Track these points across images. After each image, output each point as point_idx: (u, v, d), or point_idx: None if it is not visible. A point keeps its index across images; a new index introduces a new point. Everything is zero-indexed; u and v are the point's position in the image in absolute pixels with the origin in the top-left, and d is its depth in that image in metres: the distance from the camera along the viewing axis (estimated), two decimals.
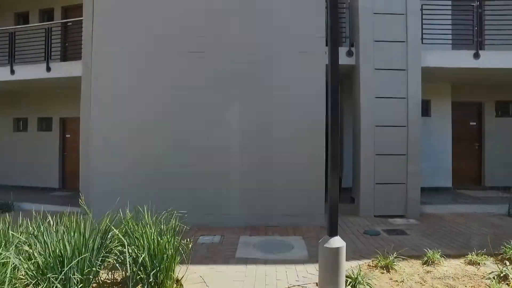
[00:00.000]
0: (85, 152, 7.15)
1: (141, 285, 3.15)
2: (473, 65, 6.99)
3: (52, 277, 2.68)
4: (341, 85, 9.16)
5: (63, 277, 2.70)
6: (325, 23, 6.02)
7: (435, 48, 7.11)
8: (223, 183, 6.18)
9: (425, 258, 4.14)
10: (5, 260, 2.71)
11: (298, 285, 3.60)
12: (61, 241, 2.89)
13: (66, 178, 10.76)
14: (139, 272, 3.08)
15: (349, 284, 3.42)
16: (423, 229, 5.78)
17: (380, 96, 6.62)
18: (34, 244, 2.95)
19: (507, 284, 3.50)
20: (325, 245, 3.06)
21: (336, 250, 3.03)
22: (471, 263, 4.07)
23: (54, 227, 3.18)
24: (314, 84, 6.17)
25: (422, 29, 6.90)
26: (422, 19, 6.89)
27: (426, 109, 8.82)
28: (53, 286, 2.62)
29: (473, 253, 4.19)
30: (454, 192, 8.61)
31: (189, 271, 3.70)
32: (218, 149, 6.24)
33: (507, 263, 3.97)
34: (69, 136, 10.79)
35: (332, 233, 3.10)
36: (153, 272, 3.09)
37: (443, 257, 4.18)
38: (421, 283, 3.59)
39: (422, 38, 6.91)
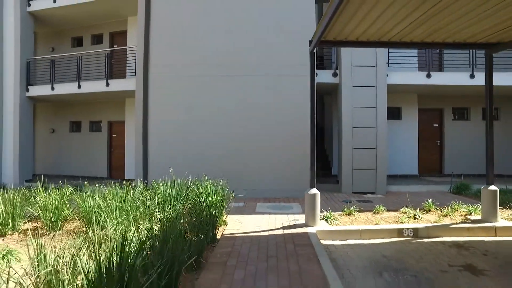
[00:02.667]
0: (138, 147, 9.82)
1: (206, 216, 5.74)
2: (426, 82, 9.53)
3: (167, 206, 5.30)
4: (330, 97, 11.79)
5: (173, 205, 5.33)
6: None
7: (400, 70, 9.66)
8: (244, 168, 8.78)
9: (374, 210, 6.68)
10: (139, 203, 5.33)
11: (294, 223, 6.16)
12: (168, 189, 5.52)
13: (112, 170, 13.44)
14: (206, 211, 5.66)
15: (323, 219, 5.99)
16: (384, 200, 8.30)
17: (356, 106, 9.18)
18: (150, 195, 5.57)
19: (415, 218, 6.03)
20: (307, 192, 5.65)
21: (314, 196, 5.61)
22: (401, 212, 6.59)
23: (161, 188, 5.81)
24: (303, 96, 8.66)
25: (388, 57, 9.45)
26: (388, 50, 9.43)
27: (398, 114, 11.34)
28: (168, 208, 5.24)
29: (406, 208, 6.70)
30: (419, 178, 11.12)
31: (228, 217, 6.29)
32: (240, 144, 8.85)
33: (420, 211, 6.50)
34: (115, 136, 13.48)
35: (311, 186, 5.68)
36: (213, 211, 5.68)
37: (386, 210, 6.71)
38: (366, 219, 6.14)
39: (388, 63, 9.46)
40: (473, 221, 5.85)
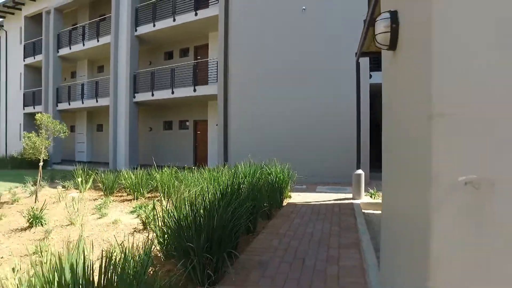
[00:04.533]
0: (220, 140, 12.11)
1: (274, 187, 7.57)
2: None
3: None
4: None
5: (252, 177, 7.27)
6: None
7: None
8: (308, 158, 10.46)
9: None
10: (228, 176, 7.37)
11: (344, 198, 7.66)
12: (248, 168, 7.49)
13: (197, 160, 16.12)
14: (275, 184, 7.49)
15: (368, 195, 7.41)
16: None
17: None
18: (234, 172, 7.58)
19: None
20: (354, 173, 7.14)
21: (359, 175, 7.09)
22: None
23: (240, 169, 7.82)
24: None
25: None
26: None
27: None
28: (248, 180, 7.20)
29: None
30: None
31: (292, 194, 8.05)
32: (303, 137, 10.55)
33: None
34: (199, 133, 16.16)
35: (357, 168, 7.16)
36: (280, 185, 7.49)
37: None
38: None
39: None
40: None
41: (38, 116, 8.96)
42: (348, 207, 6.41)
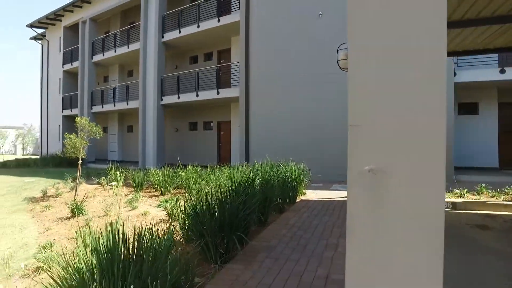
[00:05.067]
0: (242, 139, 12.74)
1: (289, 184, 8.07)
2: (500, 78, 10.09)
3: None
4: None
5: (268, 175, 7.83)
6: None
7: (471, 68, 10.44)
8: (324, 157, 10.87)
9: None
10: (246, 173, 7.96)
11: None
12: (264, 166, 8.05)
13: (221, 159, 16.86)
14: (288, 181, 8.00)
15: None
16: (446, 185, 9.38)
17: None
18: (252, 170, 8.17)
19: (461, 196, 7.30)
20: None
21: None
22: (451, 192, 7.83)
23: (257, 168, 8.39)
24: None
25: (457, 57, 10.33)
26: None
27: (474, 109, 11.85)
28: (260, 177, 7.76)
29: (457, 190, 7.87)
30: (499, 170, 11.44)
31: (307, 191, 8.52)
32: (324, 139, 10.97)
33: (470, 192, 7.65)
34: (223, 133, 16.89)
35: None
36: (294, 182, 7.98)
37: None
38: None
39: (456, 63, 10.34)
40: None
41: (77, 119, 9.96)
42: None
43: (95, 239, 2.54)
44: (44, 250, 4.65)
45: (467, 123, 11.84)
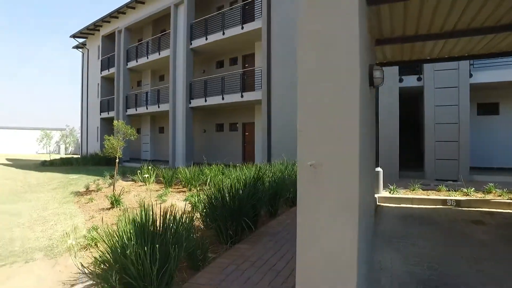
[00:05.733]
0: (264, 140, 13.50)
1: None
2: None
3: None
4: (418, 99, 13.11)
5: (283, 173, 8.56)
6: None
7: (488, 69, 10.56)
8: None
9: (437, 189, 8.44)
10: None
11: None
12: (280, 165, 8.78)
13: (245, 158, 17.72)
14: None
15: (387, 191, 8.24)
16: (460, 185, 9.63)
17: (438, 105, 10.62)
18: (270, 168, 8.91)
19: (467, 195, 7.64)
20: (375, 169, 8.05)
21: (378, 172, 7.98)
22: (461, 191, 8.15)
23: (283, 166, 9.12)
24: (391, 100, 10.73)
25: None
26: None
27: (495, 109, 11.87)
28: (270, 175, 8.49)
29: (465, 189, 8.18)
30: None
31: None
32: None
33: (477, 191, 7.95)
34: (247, 134, 17.75)
35: (376, 166, 8.04)
36: None
37: (447, 190, 8.36)
38: (423, 194, 8.06)
39: (472, 64, 10.50)
40: None
41: (115, 122, 11.18)
42: None
43: (133, 214, 3.43)
44: (91, 231, 5.69)
45: (487, 124, 11.90)
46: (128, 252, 2.81)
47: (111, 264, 3.05)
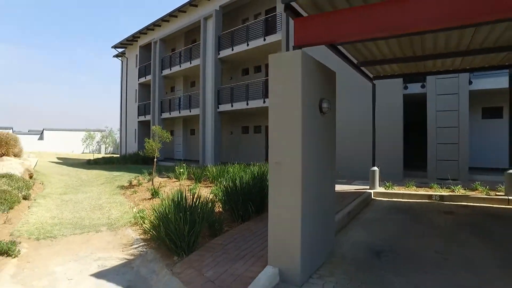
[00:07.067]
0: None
1: None
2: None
3: None
4: (422, 104, 13.98)
5: None
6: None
7: (486, 76, 11.41)
8: (350, 159, 12.65)
9: (430, 186, 9.54)
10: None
11: (363, 189, 9.79)
12: None
13: (267, 158, 19.26)
14: None
15: (382, 186, 9.46)
16: (456, 183, 10.61)
17: (440, 110, 11.60)
18: None
19: (453, 191, 8.72)
20: (370, 169, 9.32)
21: (374, 171, 9.26)
22: (450, 188, 9.21)
23: None
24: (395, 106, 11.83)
25: None
26: None
27: (499, 113, 12.60)
28: None
29: (454, 187, 9.22)
30: None
31: None
32: (349, 144, 12.78)
33: (463, 188, 8.98)
34: None
35: (373, 165, 9.31)
36: None
37: (440, 187, 9.45)
38: (415, 190, 9.21)
39: (472, 73, 11.40)
40: (496, 195, 8.15)
41: (153, 127, 13.14)
42: (359, 194, 8.70)
43: (172, 195, 5.12)
44: (139, 213, 7.50)
45: (491, 127, 12.67)
46: (169, 216, 4.47)
47: (159, 224, 4.75)
